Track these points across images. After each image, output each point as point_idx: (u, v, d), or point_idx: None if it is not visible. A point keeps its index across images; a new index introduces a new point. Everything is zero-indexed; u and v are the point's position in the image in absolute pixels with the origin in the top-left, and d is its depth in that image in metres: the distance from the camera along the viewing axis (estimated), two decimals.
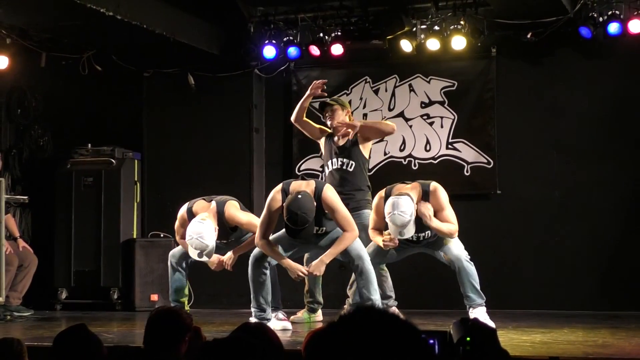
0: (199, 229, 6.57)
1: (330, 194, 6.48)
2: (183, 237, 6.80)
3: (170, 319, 3.71)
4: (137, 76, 9.55)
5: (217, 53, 9.06)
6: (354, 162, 7.12)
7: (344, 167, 7.12)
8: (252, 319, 6.46)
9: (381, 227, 6.58)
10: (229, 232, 6.95)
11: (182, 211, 7.00)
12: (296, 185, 6.49)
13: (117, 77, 9.52)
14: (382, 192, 6.58)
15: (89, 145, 9.34)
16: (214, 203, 6.87)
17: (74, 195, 9.23)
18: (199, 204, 6.93)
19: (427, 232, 6.56)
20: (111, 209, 9.17)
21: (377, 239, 6.56)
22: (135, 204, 9.38)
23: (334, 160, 7.16)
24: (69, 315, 8.60)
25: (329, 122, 7.20)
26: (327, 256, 6.51)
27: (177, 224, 7.04)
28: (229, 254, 6.98)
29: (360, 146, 7.15)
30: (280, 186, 6.58)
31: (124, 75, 9.46)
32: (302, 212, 6.19)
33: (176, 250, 7.08)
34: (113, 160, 9.24)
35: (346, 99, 8.38)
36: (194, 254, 6.63)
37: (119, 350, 4.83)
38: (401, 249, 6.69)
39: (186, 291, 7.13)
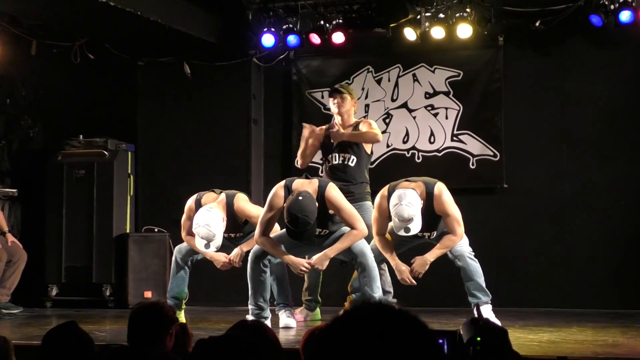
0: (207, 217, 6.53)
1: (334, 192, 6.42)
2: (189, 232, 6.72)
3: (152, 313, 3.70)
4: (131, 65, 9.49)
5: (214, 41, 9.02)
6: (355, 157, 7.07)
7: (345, 162, 7.08)
8: (249, 317, 6.35)
9: (385, 228, 6.53)
10: (239, 225, 6.88)
11: (190, 202, 6.95)
12: (299, 184, 6.42)
13: (110, 66, 9.45)
14: (384, 191, 6.47)
15: (81, 136, 9.26)
16: (223, 195, 6.85)
17: (65, 188, 9.16)
18: (208, 195, 6.90)
19: (433, 232, 6.53)
20: (104, 203, 9.11)
21: (391, 261, 6.50)
22: (129, 197, 9.32)
23: (335, 155, 7.11)
24: (60, 312, 8.56)
25: (334, 110, 7.14)
26: (332, 250, 6.43)
27: (183, 217, 6.95)
28: (236, 250, 6.88)
29: None
30: (283, 182, 6.53)
31: (118, 64, 9.39)
32: (303, 215, 6.13)
33: (182, 246, 6.98)
34: (106, 152, 9.15)
35: None
36: (200, 244, 6.55)
37: (110, 349, 4.76)
38: (403, 242, 6.61)
39: (186, 289, 7.05)
